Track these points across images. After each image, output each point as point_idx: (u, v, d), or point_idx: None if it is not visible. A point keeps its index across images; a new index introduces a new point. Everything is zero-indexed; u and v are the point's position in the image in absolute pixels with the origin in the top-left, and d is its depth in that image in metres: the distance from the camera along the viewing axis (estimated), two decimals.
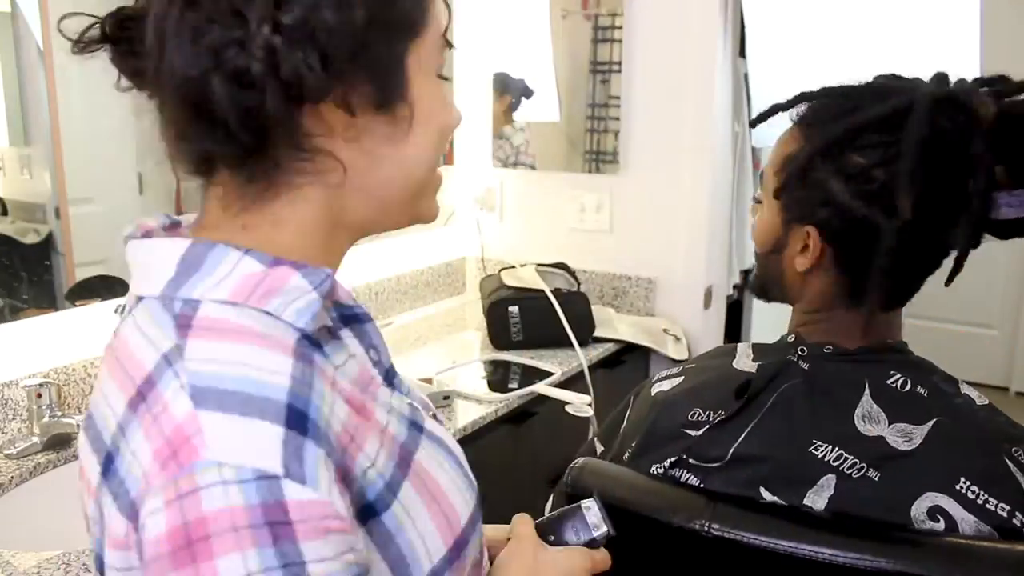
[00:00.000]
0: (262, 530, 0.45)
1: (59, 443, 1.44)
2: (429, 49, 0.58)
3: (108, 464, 0.51)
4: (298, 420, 0.48)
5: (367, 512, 0.53)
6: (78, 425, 1.41)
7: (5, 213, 1.56)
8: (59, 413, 1.44)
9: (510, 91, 2.42)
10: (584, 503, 0.76)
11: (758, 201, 0.98)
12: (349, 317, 0.62)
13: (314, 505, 0.47)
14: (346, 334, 0.61)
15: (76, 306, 1.59)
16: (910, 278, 0.90)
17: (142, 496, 0.47)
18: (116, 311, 1.59)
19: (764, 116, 0.96)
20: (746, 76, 2.35)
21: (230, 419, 0.47)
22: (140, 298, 0.57)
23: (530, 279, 2.13)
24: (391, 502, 0.55)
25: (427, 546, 0.57)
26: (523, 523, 0.74)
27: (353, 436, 0.53)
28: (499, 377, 1.91)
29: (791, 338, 0.95)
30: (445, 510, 0.59)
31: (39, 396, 1.42)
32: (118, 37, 0.57)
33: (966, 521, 0.80)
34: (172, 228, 0.62)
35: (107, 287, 1.66)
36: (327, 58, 0.51)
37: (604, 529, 0.75)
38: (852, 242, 0.88)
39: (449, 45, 0.61)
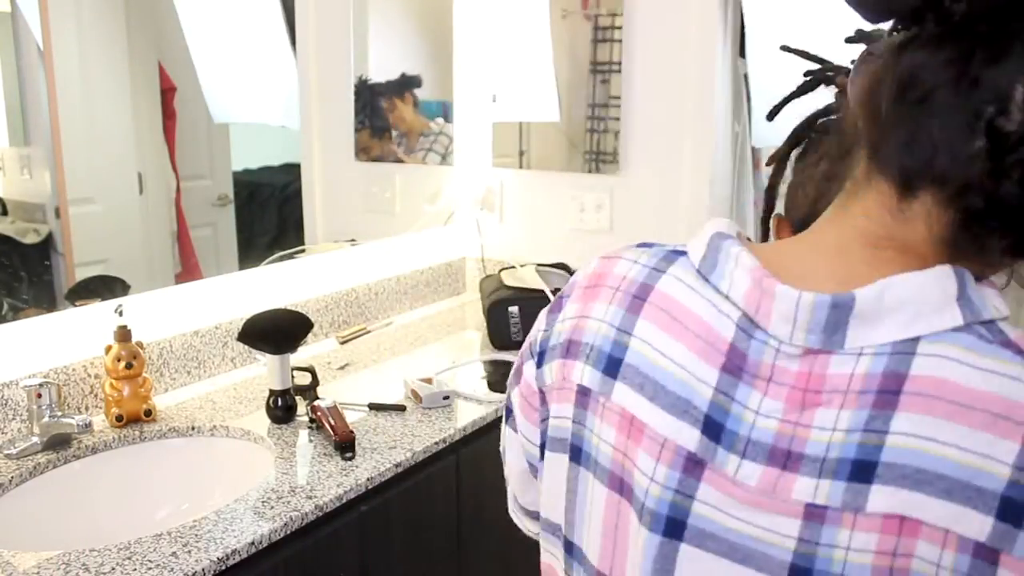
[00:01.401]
0: None
1: (59, 443, 1.44)
2: None
3: (1013, 509, 0.50)
4: None
5: None
6: (77, 425, 1.41)
7: (5, 213, 1.56)
8: (59, 413, 1.44)
9: (404, 88, 2.41)
10: None
11: None
12: None
13: None
14: None
15: (76, 306, 1.59)
16: None
17: None
18: (116, 311, 1.57)
19: (779, 107, 1.00)
20: (746, 76, 2.35)
21: None
22: (915, 339, 0.54)
23: (530, 279, 2.14)
24: None
25: None
26: None
27: None
28: (499, 377, 1.91)
29: None
30: None
31: (39, 396, 1.42)
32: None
33: None
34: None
35: (107, 287, 1.66)
36: None
37: None
38: (800, 209, 0.95)
39: None
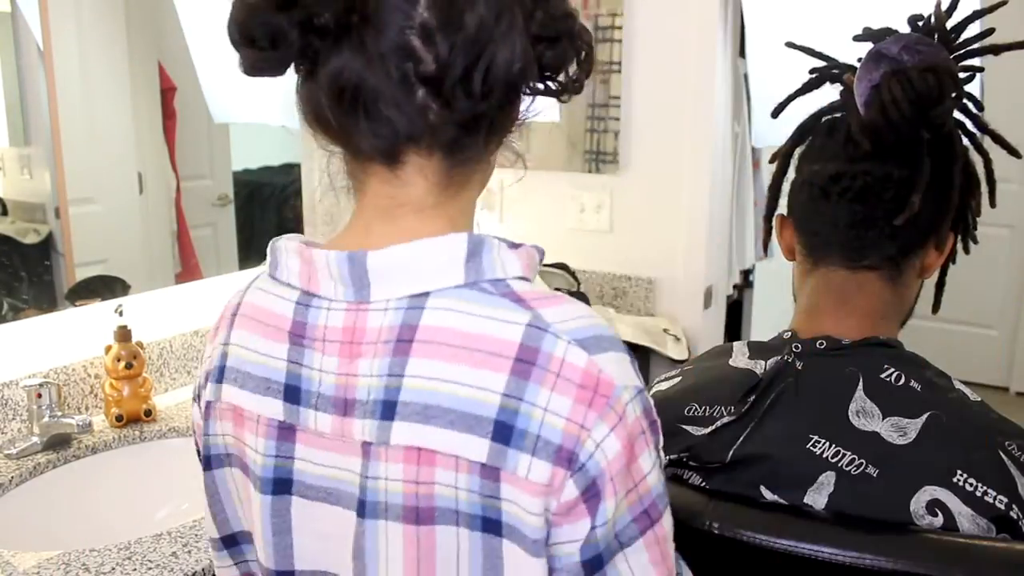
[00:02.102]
0: (650, 429, 0.62)
1: (59, 443, 1.44)
2: None
3: (503, 430, 0.58)
4: (625, 345, 0.63)
5: None
6: (77, 425, 1.41)
7: (5, 213, 1.56)
8: (59, 413, 1.44)
9: None
10: None
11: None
12: None
13: (652, 404, 0.64)
14: None
15: (76, 306, 1.59)
16: (856, 224, 0.91)
17: (576, 436, 0.58)
18: (116, 311, 1.57)
19: (784, 104, 1.00)
20: (746, 76, 2.35)
21: (609, 356, 0.61)
22: (424, 294, 0.62)
23: None
24: None
25: None
26: None
27: None
28: None
29: (787, 334, 0.95)
30: None
31: (39, 396, 1.42)
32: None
33: (963, 515, 0.80)
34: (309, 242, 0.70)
35: (107, 287, 1.66)
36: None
37: None
38: (803, 206, 0.95)
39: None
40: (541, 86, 0.66)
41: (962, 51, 0.91)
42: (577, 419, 0.58)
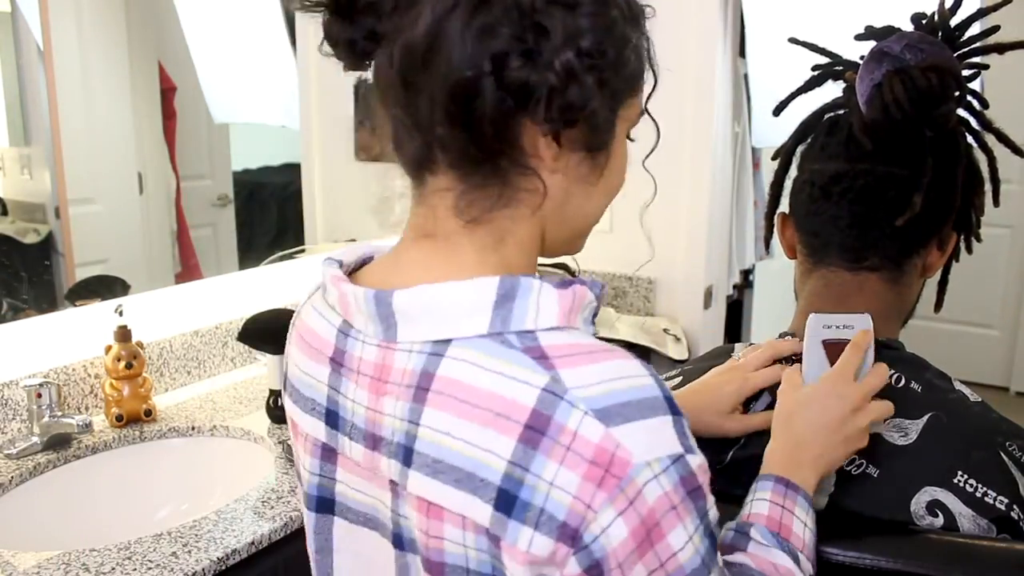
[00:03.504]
0: (687, 500, 0.56)
1: (59, 443, 1.44)
2: (634, 110, 0.67)
3: (507, 499, 0.55)
4: (671, 405, 0.57)
5: None
6: (77, 425, 1.41)
7: (5, 213, 1.56)
8: (59, 413, 1.44)
9: None
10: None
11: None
12: None
13: (704, 465, 0.58)
14: None
15: (76, 306, 1.59)
16: (857, 223, 0.90)
17: (582, 515, 0.54)
18: (116, 311, 1.56)
19: (786, 102, 1.00)
20: (746, 76, 2.35)
21: (635, 427, 0.55)
22: (447, 341, 0.59)
23: None
24: None
25: None
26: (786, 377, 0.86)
27: None
28: None
29: (787, 335, 0.95)
30: None
31: (39, 396, 1.42)
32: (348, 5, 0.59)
33: (964, 515, 0.80)
34: (358, 264, 0.69)
35: (107, 287, 1.66)
36: (600, 87, 0.58)
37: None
38: (804, 206, 0.94)
39: (645, 112, 0.69)
40: (543, 112, 0.57)
41: (966, 49, 0.91)
42: (584, 498, 0.54)
